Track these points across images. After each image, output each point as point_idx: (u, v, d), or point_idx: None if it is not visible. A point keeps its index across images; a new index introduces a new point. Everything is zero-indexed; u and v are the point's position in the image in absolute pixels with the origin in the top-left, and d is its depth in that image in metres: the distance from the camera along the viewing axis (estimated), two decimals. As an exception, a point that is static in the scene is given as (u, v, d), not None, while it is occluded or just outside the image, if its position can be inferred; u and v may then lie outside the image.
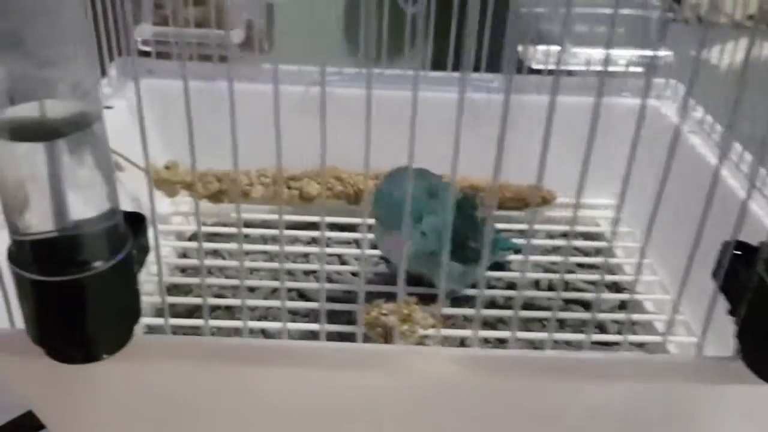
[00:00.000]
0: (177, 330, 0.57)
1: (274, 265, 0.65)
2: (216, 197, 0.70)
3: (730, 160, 0.60)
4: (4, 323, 0.39)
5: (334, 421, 0.45)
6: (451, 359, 0.42)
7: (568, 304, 0.63)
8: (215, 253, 0.69)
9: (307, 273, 0.66)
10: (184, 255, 0.69)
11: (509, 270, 0.67)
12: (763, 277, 0.37)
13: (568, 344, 0.58)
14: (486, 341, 0.59)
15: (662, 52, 0.70)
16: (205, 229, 0.71)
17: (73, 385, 0.43)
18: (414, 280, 0.62)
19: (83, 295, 0.34)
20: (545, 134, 0.38)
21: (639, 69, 0.73)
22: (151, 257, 0.66)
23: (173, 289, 0.64)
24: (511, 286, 0.65)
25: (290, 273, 0.66)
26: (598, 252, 0.71)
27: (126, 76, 0.73)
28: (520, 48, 0.74)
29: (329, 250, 0.68)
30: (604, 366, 0.41)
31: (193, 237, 0.71)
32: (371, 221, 0.58)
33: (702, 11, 0.70)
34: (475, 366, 0.42)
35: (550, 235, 0.72)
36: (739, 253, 0.40)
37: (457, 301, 0.61)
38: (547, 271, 0.67)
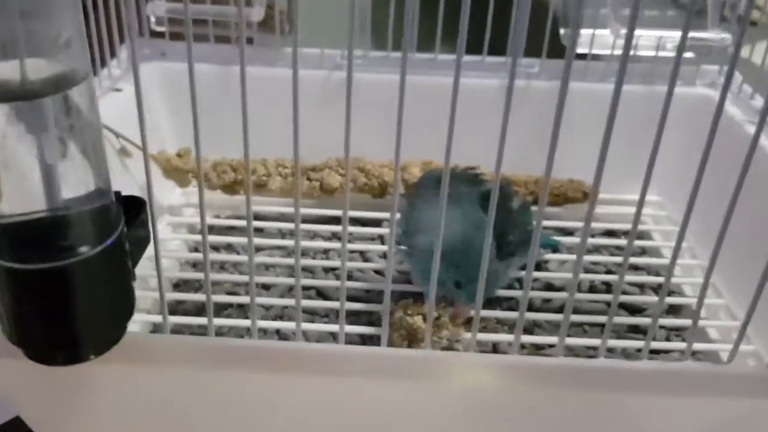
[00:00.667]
0: (184, 329, 0.52)
1: (291, 261, 0.60)
2: (231, 188, 0.65)
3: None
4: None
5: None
6: (492, 367, 0.37)
7: (610, 307, 0.58)
8: (229, 248, 0.64)
9: (327, 270, 0.61)
10: (195, 249, 0.64)
11: (546, 270, 0.62)
12: None
13: (611, 351, 0.52)
14: (522, 347, 0.53)
15: (717, 35, 0.64)
16: (219, 221, 0.67)
17: (60, 389, 0.39)
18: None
19: (67, 285, 0.30)
20: (555, 120, 0.32)
21: (689, 54, 0.68)
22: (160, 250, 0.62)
23: (182, 285, 0.60)
24: (548, 287, 0.60)
25: (309, 270, 0.61)
26: (642, 252, 0.65)
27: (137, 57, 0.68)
28: (561, 31, 0.69)
29: (351, 246, 0.63)
30: (665, 378, 0.36)
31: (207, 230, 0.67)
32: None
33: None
34: (517, 375, 0.37)
35: (591, 234, 0.67)
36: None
37: (489, 302, 0.56)
38: (587, 271, 0.62)
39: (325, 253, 0.63)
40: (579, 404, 0.38)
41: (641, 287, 0.60)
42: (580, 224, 0.67)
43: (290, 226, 0.65)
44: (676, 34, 0.67)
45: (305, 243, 0.63)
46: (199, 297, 0.55)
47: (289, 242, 0.63)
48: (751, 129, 0.60)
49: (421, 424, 0.39)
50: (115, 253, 0.31)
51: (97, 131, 0.30)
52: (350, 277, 0.60)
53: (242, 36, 0.33)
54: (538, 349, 0.53)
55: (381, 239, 0.65)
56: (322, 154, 0.66)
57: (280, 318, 0.56)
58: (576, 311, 0.56)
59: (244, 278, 0.58)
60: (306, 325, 0.51)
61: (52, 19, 0.28)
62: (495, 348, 0.54)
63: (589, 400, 0.38)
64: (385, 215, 0.66)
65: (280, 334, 0.53)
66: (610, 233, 0.67)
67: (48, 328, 0.31)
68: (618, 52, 0.69)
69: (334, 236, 0.66)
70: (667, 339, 0.56)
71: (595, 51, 0.69)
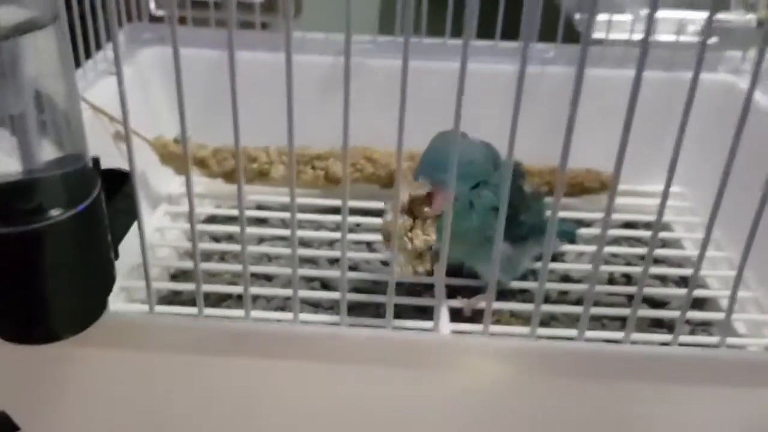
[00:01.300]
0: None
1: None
2: (232, 176, 0.62)
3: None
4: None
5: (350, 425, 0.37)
6: (505, 353, 0.34)
7: (632, 300, 0.55)
8: (231, 239, 0.61)
9: (331, 261, 0.59)
10: (195, 239, 0.61)
11: (563, 261, 0.59)
12: None
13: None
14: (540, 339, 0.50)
15: (741, 16, 0.61)
16: (220, 212, 0.64)
17: (41, 380, 0.36)
18: (452, 270, 0.54)
19: (36, 251, 0.27)
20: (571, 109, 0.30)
21: (713, 39, 0.65)
22: (156, 240, 0.59)
23: (180, 276, 0.57)
24: (565, 278, 0.57)
25: (313, 261, 0.59)
26: (663, 244, 0.62)
27: (135, 42, 0.66)
28: (577, 16, 0.66)
29: (357, 236, 0.60)
30: (699, 365, 0.33)
31: (207, 220, 0.64)
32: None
33: None
34: (533, 362, 0.34)
35: (609, 224, 0.63)
36: None
37: (503, 294, 0.53)
38: (607, 263, 0.59)
39: (330, 244, 0.60)
40: (601, 394, 0.35)
41: (663, 280, 0.57)
42: (597, 215, 0.64)
43: (296, 215, 0.62)
44: (697, 15, 0.64)
45: (309, 233, 0.60)
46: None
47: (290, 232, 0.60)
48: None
49: (427, 412, 0.36)
50: (89, 221, 0.28)
51: (70, 88, 0.28)
52: (356, 268, 0.58)
53: (231, 18, 0.30)
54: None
55: (389, 231, 0.62)
56: (327, 142, 0.63)
57: (282, 309, 0.54)
58: (595, 304, 0.53)
59: (258, 269, 0.55)
60: (303, 316, 0.48)
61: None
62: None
63: (610, 387, 0.35)
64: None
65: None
66: (629, 225, 0.64)
67: (17, 299, 0.28)
68: (636, 36, 0.66)
69: (339, 227, 0.63)
70: (692, 333, 0.53)
71: (612, 36, 0.66)
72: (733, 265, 0.58)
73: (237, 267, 0.55)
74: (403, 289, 0.54)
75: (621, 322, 0.53)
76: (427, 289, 0.54)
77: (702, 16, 0.63)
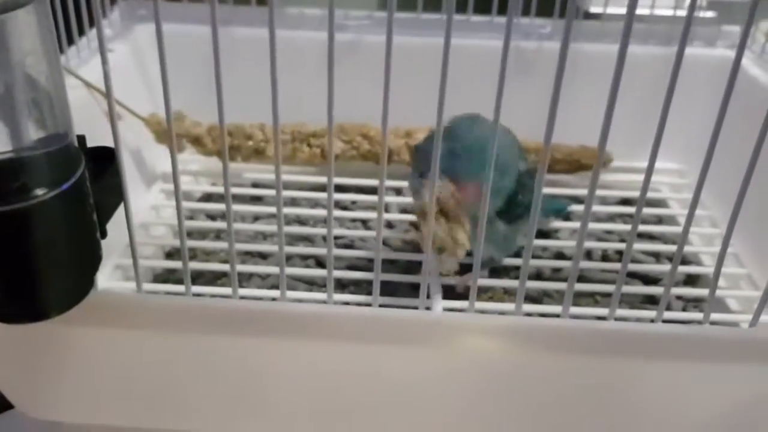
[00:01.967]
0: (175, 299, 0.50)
1: (291, 229, 0.58)
2: (227, 153, 0.62)
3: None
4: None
5: (342, 404, 0.37)
6: (494, 330, 0.34)
7: (619, 273, 0.55)
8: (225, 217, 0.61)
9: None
10: (190, 218, 0.61)
11: (557, 239, 0.59)
12: None
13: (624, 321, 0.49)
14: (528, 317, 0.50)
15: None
16: (216, 189, 0.64)
17: (32, 358, 0.37)
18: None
19: (20, 230, 0.27)
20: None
21: (710, 13, 0.64)
22: (151, 218, 0.59)
23: (175, 254, 0.57)
24: (558, 256, 0.57)
25: (309, 239, 0.59)
26: (659, 221, 0.62)
27: (131, 19, 0.66)
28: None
29: (354, 214, 0.60)
30: (681, 341, 0.33)
31: (203, 198, 0.64)
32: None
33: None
34: (522, 337, 0.34)
35: (605, 202, 0.64)
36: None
37: (496, 272, 0.53)
38: (600, 240, 0.59)
39: (326, 221, 0.60)
40: (585, 369, 0.35)
41: (657, 256, 0.57)
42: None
43: (290, 193, 0.62)
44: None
45: (305, 211, 0.60)
46: (191, 266, 0.53)
47: (288, 210, 0.60)
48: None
49: (415, 389, 0.36)
50: (74, 199, 0.28)
51: (53, 66, 0.28)
52: (352, 246, 0.58)
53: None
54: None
55: (385, 207, 0.62)
56: (324, 119, 0.63)
57: (277, 287, 0.54)
58: (588, 280, 0.53)
59: (241, 247, 0.55)
60: (298, 294, 0.48)
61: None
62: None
63: (597, 364, 0.35)
64: (390, 183, 0.63)
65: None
66: (625, 201, 0.63)
67: (3, 279, 0.28)
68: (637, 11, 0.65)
69: (337, 205, 0.63)
70: (684, 310, 0.53)
71: (610, 10, 0.66)
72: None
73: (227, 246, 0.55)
74: (399, 266, 0.54)
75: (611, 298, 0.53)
76: (419, 266, 0.54)
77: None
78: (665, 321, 0.47)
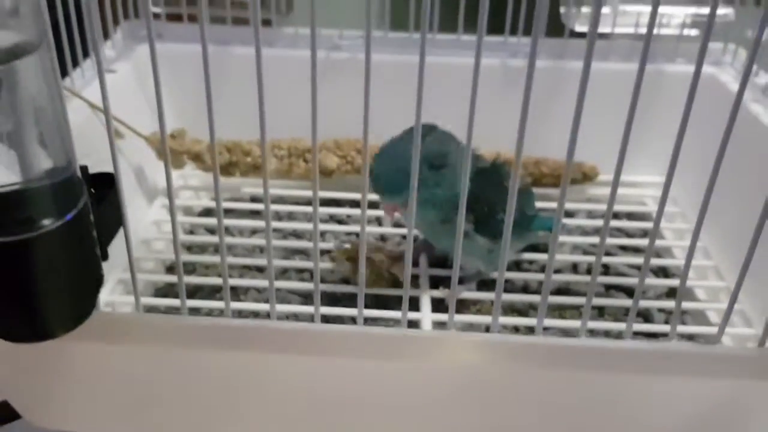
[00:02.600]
0: (174, 312, 0.52)
1: (286, 243, 0.60)
2: (226, 170, 0.64)
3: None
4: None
5: (330, 414, 0.39)
6: (473, 346, 0.36)
7: (609, 290, 0.57)
8: (226, 231, 0.63)
9: (323, 253, 0.61)
10: (191, 232, 0.63)
11: (545, 252, 0.60)
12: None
13: (607, 334, 0.51)
14: (516, 330, 0.52)
15: (721, 10, 0.63)
16: (213, 204, 0.66)
17: (38, 368, 0.39)
18: (439, 261, 0.56)
19: (27, 259, 0.29)
20: (578, 101, 0.32)
21: (694, 32, 0.66)
22: (153, 233, 0.61)
23: (175, 268, 0.59)
24: (545, 268, 0.59)
25: (304, 253, 0.61)
26: (644, 234, 0.64)
27: (133, 39, 0.68)
28: (562, 9, 0.67)
29: (348, 228, 0.62)
30: (649, 357, 0.35)
31: (203, 213, 0.66)
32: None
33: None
34: (498, 354, 0.36)
35: (592, 215, 0.66)
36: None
37: (486, 285, 0.55)
38: (586, 253, 0.61)
39: (322, 235, 0.63)
40: (558, 383, 0.37)
41: (641, 269, 0.59)
42: (580, 206, 0.66)
43: (286, 208, 0.64)
44: (680, 10, 0.65)
45: (301, 225, 0.62)
46: (190, 280, 0.55)
47: (284, 224, 0.62)
48: (755, 107, 0.59)
49: (402, 406, 0.38)
50: (77, 228, 0.30)
51: (57, 103, 0.30)
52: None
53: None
54: (533, 332, 0.52)
55: (378, 221, 0.64)
56: (320, 134, 0.65)
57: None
58: (573, 293, 0.55)
59: (237, 260, 0.58)
60: (279, 307, 0.50)
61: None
62: (488, 331, 0.53)
63: (570, 378, 0.37)
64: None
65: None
66: (613, 215, 0.65)
67: (11, 303, 0.30)
68: (619, 30, 0.67)
69: (332, 218, 0.65)
70: (666, 322, 0.55)
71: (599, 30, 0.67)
72: (708, 256, 0.60)
73: (233, 260, 0.57)
74: (388, 279, 0.56)
75: (597, 311, 0.55)
76: (413, 279, 0.56)
77: (683, 11, 0.65)
78: (646, 334, 0.50)
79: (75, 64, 0.59)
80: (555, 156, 0.66)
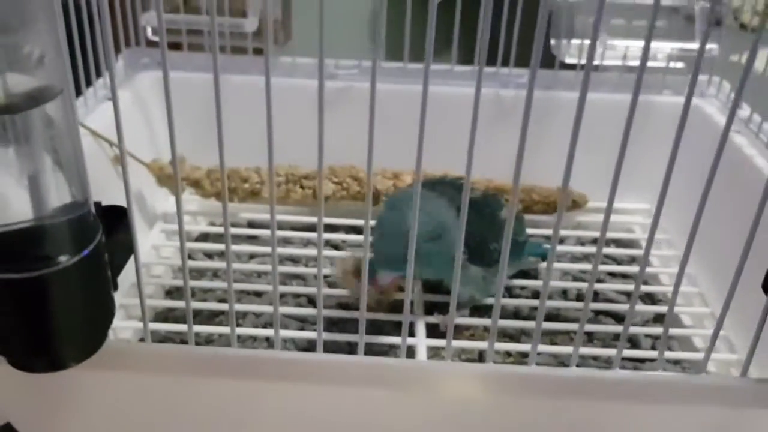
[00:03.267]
0: (175, 336, 0.53)
1: (284, 268, 0.61)
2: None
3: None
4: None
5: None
6: (465, 375, 0.37)
7: (598, 315, 0.58)
8: (223, 255, 0.65)
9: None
10: (190, 256, 0.65)
11: (536, 278, 0.62)
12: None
13: (596, 359, 0.53)
14: (508, 354, 0.54)
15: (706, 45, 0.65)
16: (213, 229, 0.68)
17: (46, 396, 0.40)
18: (433, 287, 0.57)
19: (44, 294, 0.31)
20: (573, 131, 0.33)
21: (680, 64, 0.68)
22: (152, 258, 0.63)
23: (175, 292, 0.61)
24: (537, 295, 0.60)
25: (301, 278, 0.62)
26: (632, 260, 0.66)
27: (134, 67, 0.70)
28: (552, 41, 0.69)
29: (344, 254, 0.64)
30: (637, 387, 0.37)
31: (200, 237, 0.68)
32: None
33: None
34: (490, 383, 0.37)
35: (581, 242, 0.67)
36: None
37: (478, 310, 0.57)
38: (576, 279, 0.62)
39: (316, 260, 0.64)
40: (549, 412, 0.39)
41: (629, 296, 0.61)
42: (570, 232, 0.68)
43: (284, 233, 0.66)
44: (666, 45, 0.67)
45: (298, 250, 0.64)
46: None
47: (282, 250, 0.63)
48: (737, 137, 0.61)
49: (397, 429, 0.40)
50: (93, 264, 0.32)
51: (75, 143, 0.31)
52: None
53: (215, 44, 0.33)
54: (524, 357, 0.53)
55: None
56: (315, 162, 0.67)
57: (270, 325, 0.57)
58: (564, 319, 0.57)
59: (236, 286, 0.59)
60: (292, 333, 0.52)
61: (27, 35, 0.28)
62: (481, 356, 0.54)
63: (560, 408, 0.38)
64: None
65: (270, 342, 0.54)
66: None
67: (27, 336, 0.32)
68: (607, 62, 0.69)
69: (328, 244, 0.66)
70: (653, 347, 0.56)
71: (585, 61, 0.70)
72: (694, 283, 0.61)
73: (225, 285, 0.59)
74: (386, 305, 0.57)
75: (587, 336, 0.56)
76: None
77: (670, 45, 0.67)
78: (632, 359, 0.51)
79: (78, 93, 0.60)
80: (545, 183, 0.67)
